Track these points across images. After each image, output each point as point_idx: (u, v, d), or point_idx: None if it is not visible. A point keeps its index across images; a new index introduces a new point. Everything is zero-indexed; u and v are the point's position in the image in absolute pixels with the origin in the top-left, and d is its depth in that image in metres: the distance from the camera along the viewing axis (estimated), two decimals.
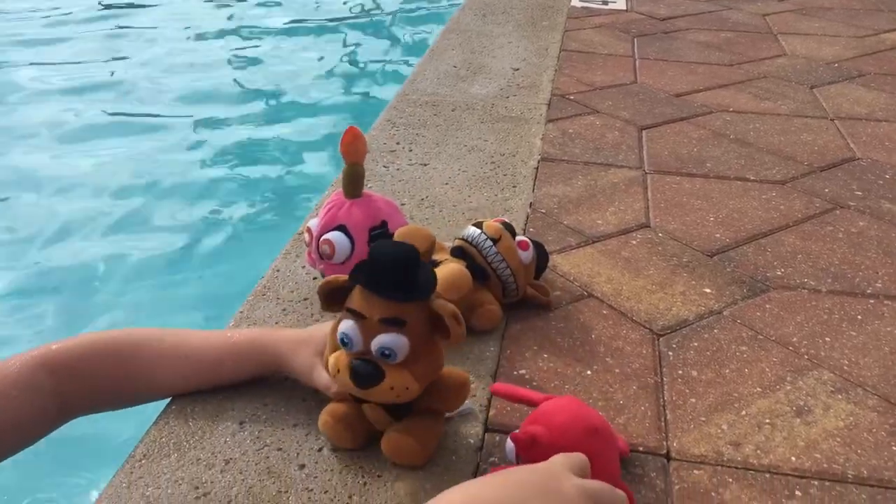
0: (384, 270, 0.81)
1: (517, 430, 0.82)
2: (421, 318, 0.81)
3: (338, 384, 0.85)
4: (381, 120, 1.91)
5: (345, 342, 0.82)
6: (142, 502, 0.82)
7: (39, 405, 0.85)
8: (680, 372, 1.06)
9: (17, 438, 0.84)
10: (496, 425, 0.95)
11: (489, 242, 1.12)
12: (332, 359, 0.83)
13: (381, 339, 0.80)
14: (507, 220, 1.18)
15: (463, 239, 1.15)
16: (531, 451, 0.78)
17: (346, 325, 0.81)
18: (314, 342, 0.93)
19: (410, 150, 1.73)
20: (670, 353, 1.10)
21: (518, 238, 1.15)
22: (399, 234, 1.09)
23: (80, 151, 2.68)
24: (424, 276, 0.83)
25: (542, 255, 1.21)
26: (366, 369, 0.80)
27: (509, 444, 0.83)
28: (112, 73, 3.49)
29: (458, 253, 1.14)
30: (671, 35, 2.68)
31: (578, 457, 0.69)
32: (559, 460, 0.67)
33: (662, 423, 0.97)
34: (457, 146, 1.75)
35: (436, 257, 1.12)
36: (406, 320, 0.80)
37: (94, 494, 0.84)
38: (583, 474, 0.67)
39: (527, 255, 1.15)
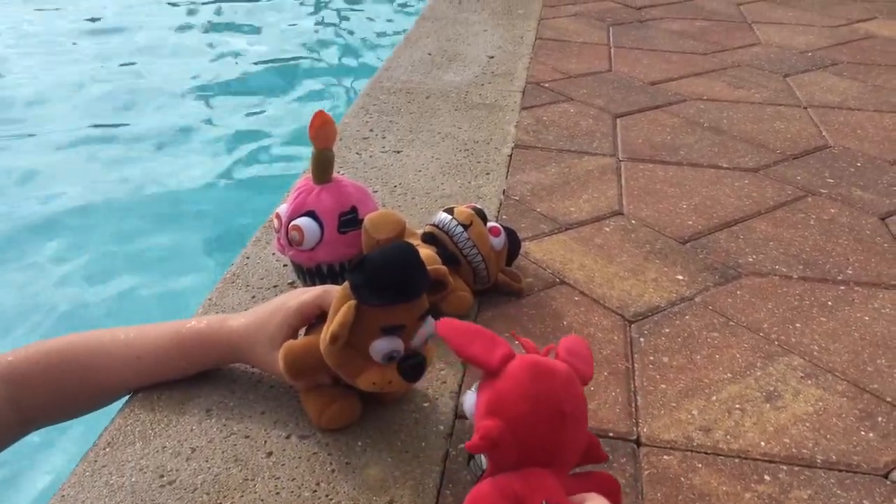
0: (408, 275, 0.81)
1: (469, 440, 0.70)
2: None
3: (376, 389, 0.84)
4: (355, 107, 1.89)
5: (393, 357, 0.81)
6: (105, 490, 0.81)
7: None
8: (651, 358, 1.06)
9: None
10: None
11: (460, 228, 1.11)
12: (370, 379, 0.82)
13: (423, 333, 0.83)
14: (478, 206, 1.17)
15: (434, 225, 1.14)
16: (493, 453, 0.70)
17: (393, 343, 0.80)
18: (268, 329, 0.90)
19: (384, 138, 1.71)
20: (642, 340, 1.10)
21: (489, 224, 1.14)
22: (369, 220, 1.08)
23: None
24: (417, 258, 0.83)
25: (513, 242, 1.20)
26: (417, 365, 0.82)
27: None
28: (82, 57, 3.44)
29: (428, 239, 1.13)
30: (646, 24, 2.68)
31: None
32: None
33: (633, 409, 0.97)
34: (430, 133, 1.74)
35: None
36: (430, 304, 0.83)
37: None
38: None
39: (498, 242, 1.14)
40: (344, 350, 0.81)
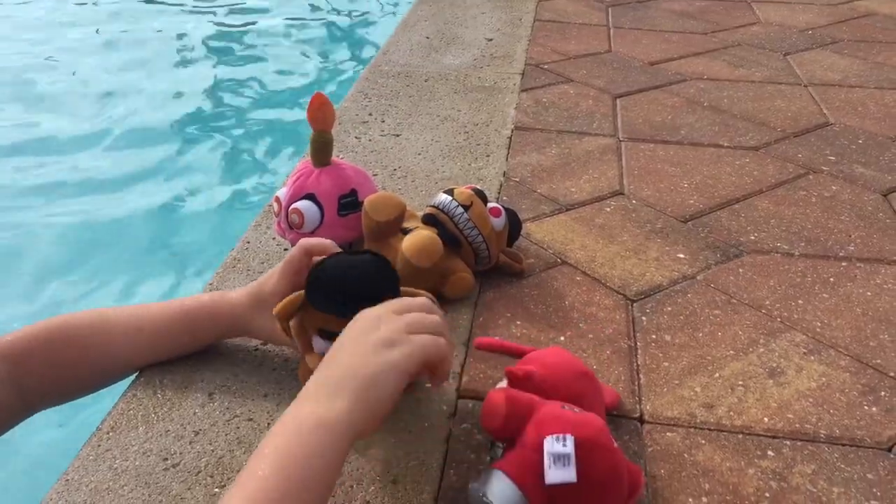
0: (348, 293, 0.82)
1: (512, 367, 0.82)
2: None
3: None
4: (354, 91, 1.88)
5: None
6: (109, 474, 0.81)
7: (1, 398, 0.82)
8: (653, 336, 1.06)
9: None
10: (469, 392, 0.95)
11: (460, 209, 1.10)
12: (312, 363, 0.85)
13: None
14: (478, 187, 1.16)
15: (434, 206, 1.13)
16: (525, 386, 0.79)
17: (326, 346, 0.80)
18: (263, 294, 0.92)
19: (383, 121, 1.71)
20: (644, 318, 1.09)
21: (490, 205, 1.14)
22: (369, 202, 1.08)
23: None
24: (369, 277, 0.84)
25: (514, 223, 1.20)
26: None
27: (492, 394, 0.79)
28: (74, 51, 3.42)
29: (429, 220, 1.12)
30: (645, 4, 2.66)
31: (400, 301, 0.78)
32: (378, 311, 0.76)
33: (636, 387, 0.97)
34: (430, 116, 1.73)
35: (407, 225, 1.10)
36: None
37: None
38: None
39: (499, 222, 1.13)
40: (298, 326, 0.86)
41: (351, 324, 0.75)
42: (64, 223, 2.10)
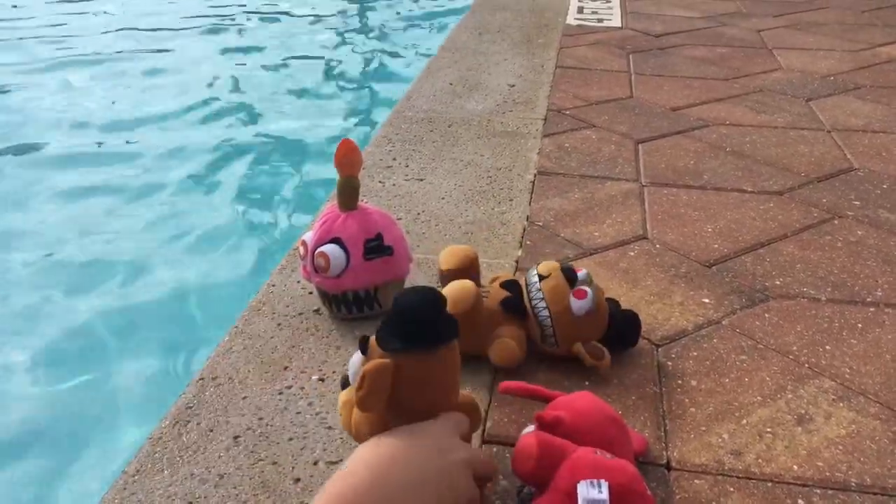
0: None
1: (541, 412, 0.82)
2: None
3: None
4: (378, 136, 1.91)
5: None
6: None
7: None
8: (679, 382, 1.05)
9: None
10: (494, 437, 0.94)
11: (535, 278, 1.05)
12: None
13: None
14: (572, 266, 1.07)
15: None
16: (554, 431, 0.79)
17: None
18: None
19: (407, 166, 1.73)
20: (669, 363, 1.09)
21: (579, 286, 1.04)
22: (443, 251, 1.10)
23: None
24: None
25: (628, 325, 1.10)
26: None
27: (526, 432, 0.81)
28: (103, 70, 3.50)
29: (507, 284, 1.08)
30: (666, 51, 2.69)
31: (457, 416, 0.76)
32: (445, 425, 0.74)
33: (662, 433, 0.96)
34: (453, 161, 1.75)
35: (487, 285, 1.10)
36: None
37: None
38: (462, 431, 0.76)
39: (580, 305, 1.02)
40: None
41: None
42: (98, 249, 2.15)
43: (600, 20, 3.09)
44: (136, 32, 4.32)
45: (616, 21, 3.08)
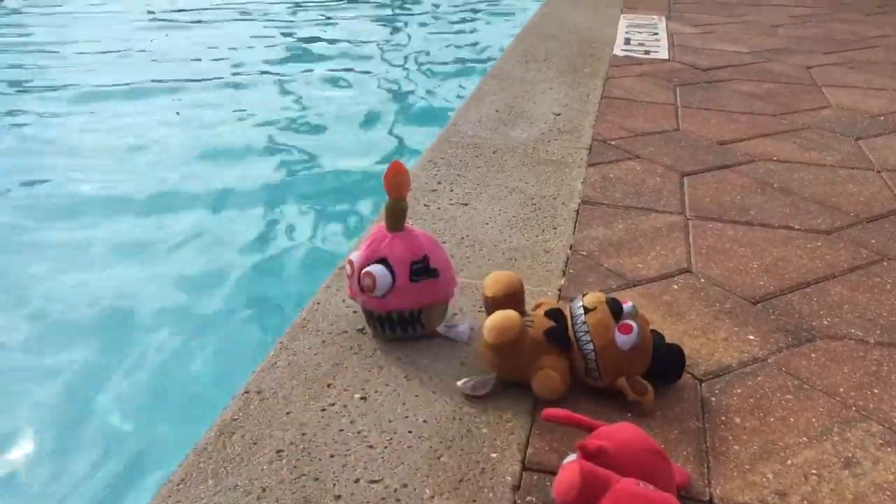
0: None
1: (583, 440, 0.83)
2: None
3: None
4: (423, 160, 1.93)
5: None
6: None
7: None
8: (723, 418, 1.04)
9: None
10: (534, 464, 0.94)
11: (581, 310, 1.05)
12: None
13: None
14: (617, 299, 1.06)
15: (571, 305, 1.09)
16: (596, 461, 0.79)
17: None
18: None
19: (451, 190, 1.74)
20: (713, 399, 1.08)
21: (624, 320, 1.04)
22: (487, 277, 1.12)
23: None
24: None
25: (672, 360, 1.09)
26: None
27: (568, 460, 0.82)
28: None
29: (551, 313, 1.08)
30: (714, 85, 2.68)
31: None
32: None
33: (705, 469, 0.95)
34: (497, 187, 1.76)
35: (532, 311, 1.11)
36: None
37: None
38: None
39: (626, 340, 1.02)
40: None
41: None
42: (161, 274, 2.20)
43: (647, 52, 3.09)
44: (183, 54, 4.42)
45: (663, 53, 3.08)
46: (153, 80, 3.94)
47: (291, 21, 5.25)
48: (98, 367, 1.81)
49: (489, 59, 3.69)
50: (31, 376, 1.78)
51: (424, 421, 1.01)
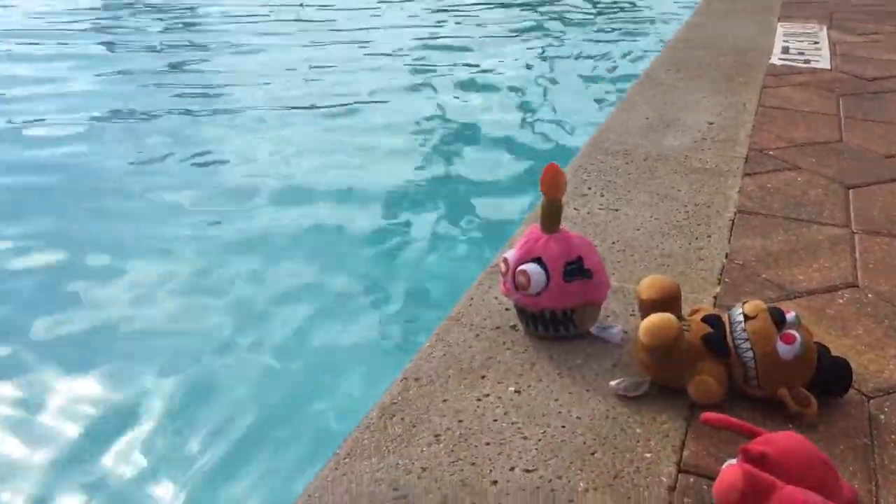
0: None
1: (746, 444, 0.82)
2: None
3: None
4: (573, 166, 1.93)
5: None
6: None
7: None
8: (893, 437, 0.99)
9: None
10: (690, 466, 0.93)
11: (741, 318, 1.04)
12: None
13: None
14: (779, 308, 1.04)
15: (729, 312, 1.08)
16: (759, 466, 0.77)
17: None
18: None
19: (602, 196, 1.74)
20: (882, 417, 1.03)
21: (787, 330, 1.02)
22: (643, 280, 1.13)
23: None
24: None
25: (837, 372, 1.06)
26: None
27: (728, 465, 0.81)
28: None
29: (709, 319, 1.07)
30: (880, 95, 2.54)
31: None
32: None
33: (873, 487, 0.91)
34: (649, 194, 1.74)
35: (689, 317, 1.10)
36: None
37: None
38: None
39: (788, 350, 1.00)
40: None
41: None
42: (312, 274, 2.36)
43: (807, 61, 2.96)
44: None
45: (825, 63, 2.95)
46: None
47: (438, 28, 5.39)
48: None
49: (638, 69, 3.67)
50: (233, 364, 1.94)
51: (577, 417, 1.02)
